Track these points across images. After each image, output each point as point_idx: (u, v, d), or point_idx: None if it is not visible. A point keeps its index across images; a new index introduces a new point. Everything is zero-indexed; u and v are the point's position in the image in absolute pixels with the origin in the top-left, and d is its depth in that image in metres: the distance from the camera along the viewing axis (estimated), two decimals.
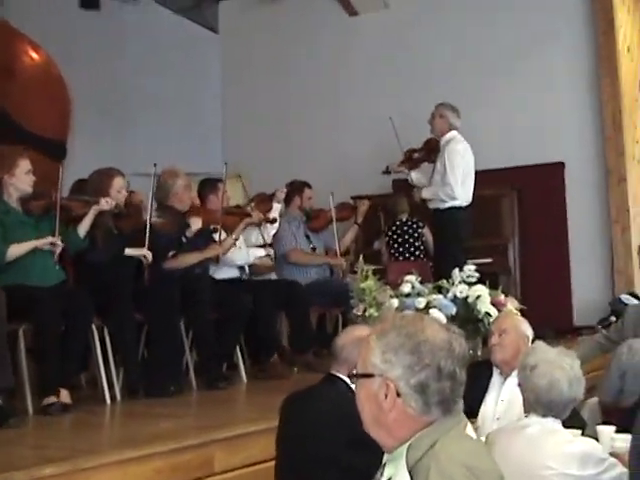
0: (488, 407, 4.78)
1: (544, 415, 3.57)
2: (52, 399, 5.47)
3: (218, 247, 7.17)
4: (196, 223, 6.89)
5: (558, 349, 3.70)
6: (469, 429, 2.34)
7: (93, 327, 5.95)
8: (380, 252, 9.55)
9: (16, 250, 5.71)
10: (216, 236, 7.21)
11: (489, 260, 9.35)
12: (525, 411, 3.69)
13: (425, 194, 8.28)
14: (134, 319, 6.23)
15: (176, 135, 12.04)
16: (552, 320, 9.06)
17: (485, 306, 6.61)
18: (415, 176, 8.51)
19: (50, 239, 5.80)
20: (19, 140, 10.35)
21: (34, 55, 10.97)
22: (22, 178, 5.88)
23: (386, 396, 2.22)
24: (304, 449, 3.68)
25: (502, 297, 6.92)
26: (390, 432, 2.26)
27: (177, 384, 6.27)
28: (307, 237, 8.46)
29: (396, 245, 9.28)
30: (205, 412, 5.92)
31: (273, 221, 7.81)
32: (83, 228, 6.08)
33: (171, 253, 6.75)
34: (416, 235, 9.22)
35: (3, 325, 5.21)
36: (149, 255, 6.42)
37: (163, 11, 12.23)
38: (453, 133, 8.29)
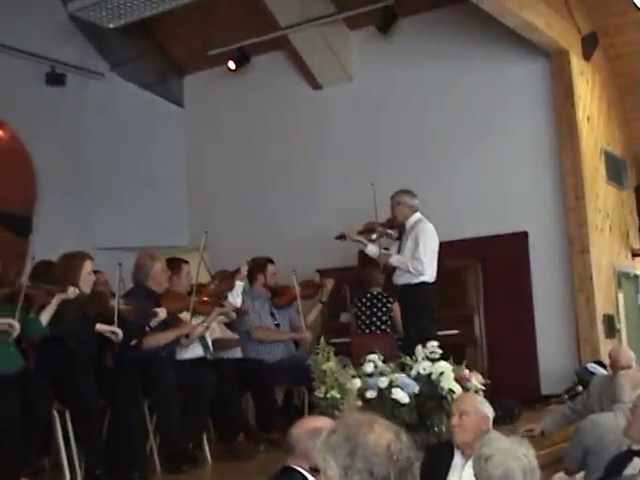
0: None
1: None
2: None
3: (189, 326, 7.18)
4: (162, 313, 6.88)
5: (512, 438, 3.69)
6: None
7: (54, 412, 5.89)
8: (347, 325, 9.54)
9: None
10: (185, 316, 7.23)
11: (455, 332, 9.37)
12: None
13: (394, 261, 8.30)
14: (97, 403, 6.16)
15: (142, 209, 12.09)
16: (519, 389, 9.12)
17: (449, 383, 6.60)
18: (372, 249, 8.51)
19: (9, 320, 5.75)
20: None
21: None
22: None
23: None
24: None
25: (466, 372, 6.92)
26: None
27: (140, 468, 6.21)
28: (272, 314, 8.46)
29: (364, 317, 9.26)
30: None
31: (239, 311, 7.88)
32: (45, 316, 6.05)
33: (133, 342, 6.73)
34: (384, 309, 9.21)
35: None
36: (119, 333, 6.37)
37: (128, 86, 12.35)
38: (417, 215, 8.39)
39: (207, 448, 7.02)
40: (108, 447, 6.23)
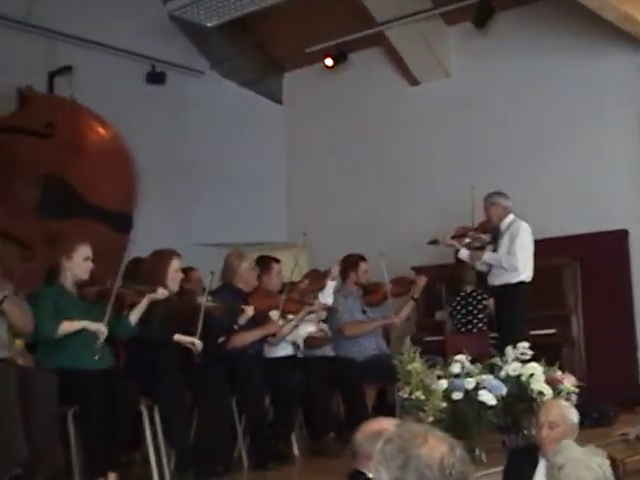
0: None
1: None
2: None
3: (277, 325, 7.22)
4: (250, 311, 6.92)
5: (587, 448, 3.61)
6: None
7: (142, 408, 5.99)
8: (443, 323, 9.49)
9: (66, 327, 5.83)
10: (274, 314, 7.26)
11: (552, 331, 9.23)
12: None
13: (487, 258, 8.31)
14: (184, 400, 6.25)
15: (240, 205, 12.19)
16: (618, 391, 8.93)
17: (539, 385, 6.51)
18: (465, 253, 8.51)
19: (99, 326, 5.87)
20: (87, 214, 10.63)
21: (101, 130, 11.23)
22: (79, 263, 6.01)
23: None
24: None
25: (559, 374, 6.81)
26: None
27: (227, 464, 6.27)
28: (364, 312, 8.43)
29: (459, 316, 9.18)
30: None
31: (329, 309, 7.87)
32: (135, 316, 6.18)
33: (221, 339, 6.79)
34: (480, 307, 9.12)
35: (50, 406, 5.25)
36: (199, 345, 6.43)
37: (228, 84, 12.46)
38: (512, 216, 8.41)
39: (295, 445, 7.05)
40: (195, 443, 6.33)
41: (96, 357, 5.87)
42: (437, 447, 2.27)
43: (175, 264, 6.52)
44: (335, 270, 8.09)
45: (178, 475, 6.14)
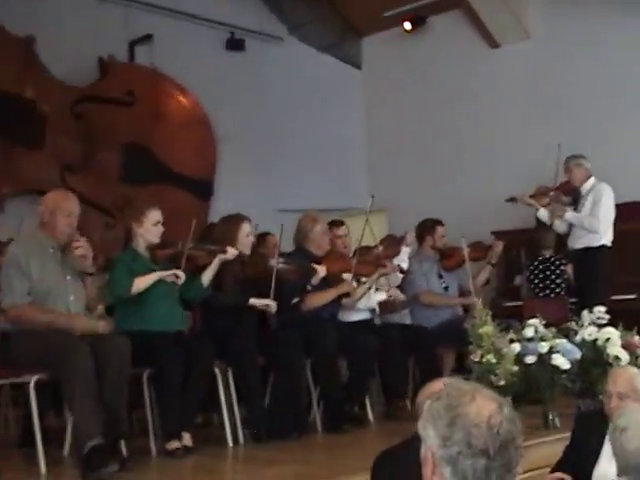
0: (601, 467, 4.53)
1: None
2: (175, 444, 5.63)
3: (349, 285, 7.22)
4: (322, 271, 6.95)
5: None
6: None
7: (217, 370, 6.08)
8: (520, 288, 9.43)
9: (140, 282, 5.91)
10: (347, 277, 7.27)
11: (633, 296, 9.08)
12: (617, 474, 3.56)
13: (569, 216, 8.29)
14: (258, 363, 6.32)
15: (320, 171, 12.22)
16: None
17: (615, 349, 6.42)
18: (544, 213, 8.46)
19: (174, 270, 5.95)
20: (166, 180, 10.79)
21: (181, 98, 11.37)
22: (149, 229, 6.08)
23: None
24: None
25: (636, 339, 6.70)
26: None
27: (300, 428, 6.33)
28: (440, 276, 8.39)
29: (537, 281, 9.11)
30: (317, 458, 5.93)
31: (402, 271, 7.83)
32: (207, 277, 6.26)
33: (295, 300, 6.84)
34: (558, 272, 9.03)
35: (124, 373, 5.37)
36: (273, 306, 6.50)
37: (306, 49, 12.46)
38: (593, 179, 8.37)
39: (370, 410, 7.08)
40: (269, 406, 6.40)
41: (177, 309, 6.01)
42: (485, 405, 2.25)
43: (245, 228, 6.57)
44: (410, 237, 8.05)
45: (252, 438, 6.21)
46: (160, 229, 6.13)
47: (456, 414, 2.21)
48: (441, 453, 2.19)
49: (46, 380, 5.34)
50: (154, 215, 6.12)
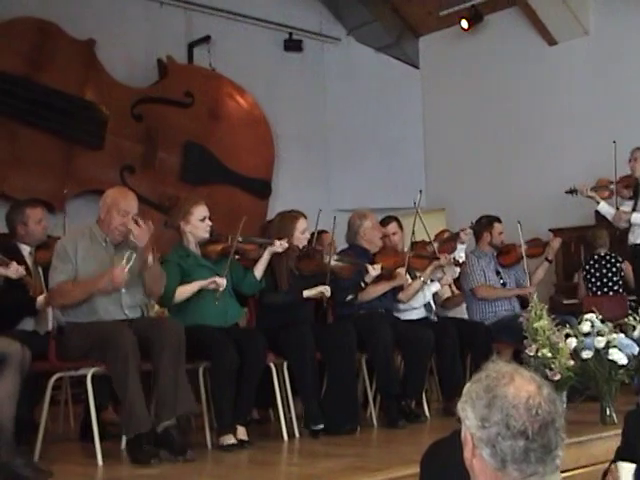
0: None
1: None
2: (229, 438, 5.68)
3: (402, 277, 7.22)
4: (375, 270, 6.95)
5: None
6: None
7: (272, 365, 6.12)
8: (578, 285, 9.37)
9: (182, 292, 5.98)
10: (401, 271, 7.28)
11: None
12: None
13: (635, 218, 8.15)
14: (313, 356, 6.33)
15: (378, 171, 12.23)
16: None
17: None
18: (604, 206, 8.37)
19: (214, 279, 5.99)
20: (225, 180, 10.88)
21: (239, 99, 11.47)
22: (197, 225, 6.12)
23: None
24: None
25: None
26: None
27: (354, 422, 6.34)
28: (497, 273, 8.36)
29: (593, 279, 9.05)
30: (372, 452, 5.96)
31: (458, 264, 7.81)
32: (259, 270, 6.29)
33: (349, 297, 6.86)
34: (614, 270, 8.96)
35: (177, 353, 5.41)
36: (327, 290, 6.51)
37: (364, 49, 12.50)
38: None
39: (426, 405, 7.07)
40: (325, 400, 6.42)
41: (216, 302, 5.99)
42: (523, 386, 2.25)
43: (302, 224, 6.61)
44: (465, 233, 8.01)
45: (308, 432, 6.23)
46: (208, 224, 6.17)
47: (494, 395, 2.22)
48: (480, 434, 2.20)
49: (102, 373, 5.42)
50: (200, 211, 6.15)
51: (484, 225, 8.44)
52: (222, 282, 5.98)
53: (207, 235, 6.16)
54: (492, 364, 2.36)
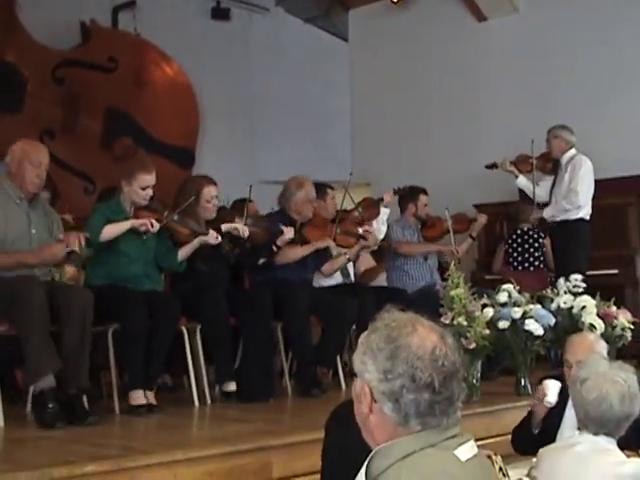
0: (564, 434, 4.39)
1: (595, 433, 3.31)
2: (139, 398, 5.58)
3: (327, 240, 7.13)
4: (289, 232, 6.82)
5: (614, 363, 3.45)
6: (465, 449, 2.12)
7: (184, 329, 5.99)
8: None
9: (111, 229, 5.81)
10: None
11: (614, 271, 9.02)
12: (578, 428, 3.47)
13: (547, 214, 8.26)
14: (228, 322, 6.22)
15: (304, 143, 12.10)
16: None
17: (590, 317, 6.38)
18: (523, 181, 8.43)
19: (146, 220, 5.87)
20: (148, 147, 10.67)
21: (164, 66, 11.25)
22: (137, 191, 5.97)
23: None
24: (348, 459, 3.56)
25: (613, 309, 6.65)
26: (372, 436, 2.15)
27: (269, 390, 6.24)
28: None
29: (515, 254, 9.04)
30: (282, 418, 5.91)
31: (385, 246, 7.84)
32: (182, 254, 6.18)
33: (261, 261, 6.75)
34: (536, 245, 8.96)
35: (86, 325, 5.26)
36: (242, 229, 6.43)
37: (293, 20, 12.33)
38: (573, 150, 8.28)
39: (342, 374, 6.99)
40: (239, 368, 6.32)
41: (144, 237, 5.91)
42: (427, 336, 2.13)
43: (210, 190, 6.47)
44: (388, 197, 7.95)
45: (220, 397, 6.13)
46: (148, 193, 6.01)
47: (397, 346, 2.09)
48: (382, 388, 2.08)
49: (7, 333, 5.25)
50: (144, 180, 5.97)
51: (409, 196, 8.38)
52: (157, 226, 5.87)
53: (144, 203, 6.01)
54: (387, 313, 2.24)
